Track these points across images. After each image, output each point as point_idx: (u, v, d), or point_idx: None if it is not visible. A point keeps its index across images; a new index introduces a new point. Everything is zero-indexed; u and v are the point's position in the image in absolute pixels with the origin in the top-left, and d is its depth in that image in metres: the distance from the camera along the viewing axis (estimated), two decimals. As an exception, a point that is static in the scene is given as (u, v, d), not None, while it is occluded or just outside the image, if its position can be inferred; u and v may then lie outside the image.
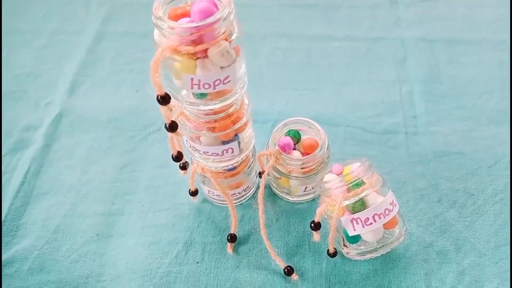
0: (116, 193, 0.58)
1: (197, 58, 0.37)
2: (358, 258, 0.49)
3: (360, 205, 0.46)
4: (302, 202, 0.56)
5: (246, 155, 0.50)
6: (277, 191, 0.57)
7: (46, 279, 0.52)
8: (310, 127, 0.52)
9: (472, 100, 0.65)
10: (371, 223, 0.45)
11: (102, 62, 0.73)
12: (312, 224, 0.48)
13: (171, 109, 0.40)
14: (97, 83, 0.70)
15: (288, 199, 0.56)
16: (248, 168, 0.52)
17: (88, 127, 0.65)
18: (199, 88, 0.38)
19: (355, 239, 0.48)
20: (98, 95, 0.69)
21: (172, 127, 0.42)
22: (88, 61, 0.73)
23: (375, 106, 0.65)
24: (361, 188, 0.46)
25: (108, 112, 0.66)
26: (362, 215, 0.45)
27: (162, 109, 0.40)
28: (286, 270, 0.50)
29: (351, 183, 0.46)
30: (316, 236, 0.49)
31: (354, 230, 0.46)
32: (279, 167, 0.52)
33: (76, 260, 0.53)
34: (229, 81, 0.39)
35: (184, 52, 0.36)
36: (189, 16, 0.37)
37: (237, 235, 0.53)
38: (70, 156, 0.62)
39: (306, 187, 0.53)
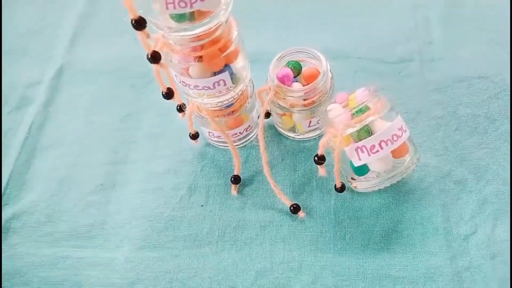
0: (120, 142, 0.57)
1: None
2: (367, 190, 0.46)
3: (365, 133, 0.42)
4: (309, 140, 0.53)
5: (241, 90, 0.47)
6: (282, 131, 0.54)
7: (53, 230, 0.51)
8: (310, 57, 0.49)
9: (495, 24, 0.58)
10: (377, 151, 0.42)
11: (101, 13, 0.71)
12: (316, 158, 0.45)
13: (148, 35, 0.38)
14: (97, 35, 0.68)
15: (294, 138, 0.53)
16: (247, 105, 0.49)
17: (89, 79, 0.63)
18: (174, 7, 0.35)
19: (363, 170, 0.45)
20: (98, 47, 0.67)
21: (154, 57, 0.39)
22: (87, 13, 0.71)
23: (388, 36, 0.60)
24: (365, 114, 0.42)
25: (109, 62, 0.64)
26: (367, 142, 0.42)
27: (139, 35, 0.37)
28: (292, 207, 0.48)
29: (354, 109, 0.42)
30: (321, 170, 0.46)
31: (360, 159, 0.43)
32: (280, 102, 0.48)
33: (82, 210, 0.52)
34: (206, -1, 0.36)
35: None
36: None
37: (241, 177, 0.51)
38: (73, 108, 0.61)
39: (310, 122, 0.50)
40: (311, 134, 0.52)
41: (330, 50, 0.59)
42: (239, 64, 0.45)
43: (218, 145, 0.54)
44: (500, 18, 0.59)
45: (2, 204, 0.54)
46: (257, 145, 0.49)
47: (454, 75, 0.54)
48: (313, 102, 0.48)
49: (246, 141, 0.54)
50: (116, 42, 0.67)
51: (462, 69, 0.55)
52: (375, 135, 0.42)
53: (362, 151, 0.42)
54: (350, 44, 0.60)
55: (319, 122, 0.50)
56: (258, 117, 0.54)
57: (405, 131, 0.43)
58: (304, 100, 0.47)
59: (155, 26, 0.39)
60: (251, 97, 0.50)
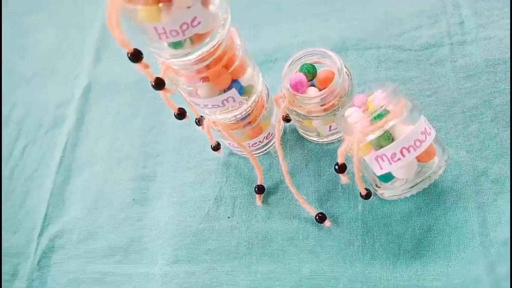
0: (146, 156, 0.58)
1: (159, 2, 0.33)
2: (394, 198, 0.44)
3: (386, 139, 0.40)
4: (333, 142, 0.51)
5: (255, 100, 0.45)
6: (304, 134, 0.52)
7: (93, 247, 0.54)
8: (324, 57, 0.46)
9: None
10: (399, 159, 0.39)
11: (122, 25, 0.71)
12: (336, 166, 0.43)
13: (147, 66, 0.37)
14: (118, 48, 0.69)
15: (317, 141, 0.51)
16: (264, 113, 0.48)
17: (114, 93, 0.65)
18: (167, 37, 0.34)
19: (387, 177, 0.42)
20: (120, 60, 0.67)
21: (158, 84, 0.39)
22: (107, 28, 0.72)
23: (412, 18, 0.55)
24: (384, 119, 0.39)
25: (130, 76, 0.65)
26: (387, 150, 0.39)
27: (138, 67, 0.37)
28: (317, 217, 0.46)
29: (373, 114, 0.40)
30: (343, 178, 0.44)
31: (381, 168, 0.40)
32: (296, 109, 0.47)
33: (117, 226, 0.54)
34: (199, 23, 0.34)
35: (136, 1, 0.32)
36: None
37: (264, 186, 0.50)
38: (101, 125, 0.62)
39: (330, 126, 0.48)
40: (335, 137, 0.50)
41: (347, 40, 0.56)
42: (248, 75, 0.43)
43: (241, 153, 0.53)
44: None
45: (46, 223, 0.57)
46: (275, 156, 0.47)
47: (488, 58, 0.49)
48: (332, 105, 0.45)
49: (269, 147, 0.53)
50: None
51: (496, 50, 0.50)
52: (395, 142, 0.39)
53: (383, 160, 0.40)
54: (369, 31, 0.56)
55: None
56: (284, 121, 0.52)
57: (429, 134, 0.40)
58: (322, 105, 0.45)
59: (155, 54, 0.38)
60: (267, 104, 0.48)
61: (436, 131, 0.42)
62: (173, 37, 0.34)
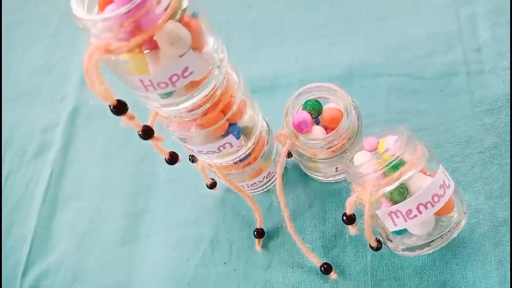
0: (138, 190, 0.54)
1: (140, 51, 0.28)
2: (407, 254, 0.40)
3: (400, 194, 0.36)
4: (339, 181, 0.47)
5: (255, 142, 0.41)
6: (307, 172, 0.48)
7: (80, 289, 0.50)
8: (330, 93, 0.42)
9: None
10: (415, 216, 0.35)
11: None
12: (344, 217, 0.39)
13: (133, 117, 0.33)
14: (107, 69, 0.64)
15: (321, 180, 0.47)
16: (265, 153, 0.44)
17: (103, 119, 0.60)
18: (155, 89, 0.30)
19: (400, 231, 0.38)
20: (109, 81, 0.63)
21: (147, 133, 0.35)
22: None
23: (425, 43, 0.51)
24: (398, 172, 0.35)
25: (122, 98, 0.60)
26: (402, 207, 0.35)
27: (122, 120, 0.33)
28: (322, 268, 0.42)
29: (387, 166, 0.35)
30: (352, 230, 0.40)
31: (395, 225, 0.36)
32: (300, 150, 0.42)
33: (106, 267, 0.50)
34: (191, 73, 0.30)
35: (117, 52, 0.28)
36: None
37: (264, 229, 0.46)
38: (90, 153, 0.59)
39: (337, 168, 0.44)
40: (341, 176, 0.46)
41: (355, 66, 0.52)
42: (247, 116, 0.39)
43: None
44: None
45: (30, 262, 0.53)
46: (276, 202, 0.43)
47: (508, 90, 0.45)
48: (339, 148, 0.41)
49: (269, 185, 0.49)
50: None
51: (519, 82, 0.45)
52: (411, 198, 0.35)
53: (397, 216, 0.36)
54: (378, 57, 0.52)
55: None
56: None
57: (448, 187, 0.36)
58: (328, 148, 0.41)
59: (143, 103, 0.34)
60: (268, 143, 0.44)
61: (451, 172, 0.38)
62: (162, 89, 0.30)
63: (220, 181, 0.49)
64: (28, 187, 0.58)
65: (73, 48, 0.69)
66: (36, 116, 0.64)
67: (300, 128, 0.41)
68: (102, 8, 0.29)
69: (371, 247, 0.41)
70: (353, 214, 0.38)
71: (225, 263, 0.46)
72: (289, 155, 0.48)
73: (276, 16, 0.59)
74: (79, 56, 0.67)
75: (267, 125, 0.45)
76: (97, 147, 0.58)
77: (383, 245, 0.41)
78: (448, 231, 0.37)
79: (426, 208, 0.35)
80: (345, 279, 0.42)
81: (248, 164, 0.43)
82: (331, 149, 0.41)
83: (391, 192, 0.36)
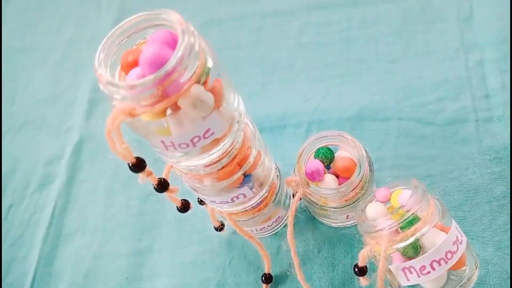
0: (143, 228, 0.53)
1: (165, 115, 0.28)
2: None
3: (414, 250, 0.36)
4: (348, 227, 0.47)
5: (267, 191, 0.41)
6: (315, 215, 0.48)
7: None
8: (343, 142, 0.42)
9: None
10: (428, 272, 0.35)
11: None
12: (356, 269, 0.39)
13: (150, 173, 0.33)
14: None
15: (331, 224, 0.47)
16: (275, 199, 0.44)
17: (109, 153, 0.59)
18: (175, 149, 0.30)
19: (412, 285, 0.38)
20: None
21: (162, 186, 0.35)
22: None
23: (435, 88, 0.51)
24: (413, 228, 0.35)
25: (128, 133, 0.60)
26: (416, 263, 0.35)
27: (140, 177, 0.32)
28: (332, 318, 0.42)
29: (402, 222, 0.35)
30: (363, 281, 0.40)
31: (408, 280, 0.36)
32: (311, 198, 0.42)
33: (110, 307, 0.50)
34: (212, 133, 0.30)
35: (147, 115, 0.28)
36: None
37: (272, 275, 0.46)
38: (94, 188, 0.58)
39: (347, 216, 0.44)
40: (351, 221, 0.46)
41: (364, 109, 0.52)
42: (262, 167, 0.39)
43: (247, 232, 0.49)
44: None
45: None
46: (287, 250, 0.43)
47: (517, 140, 0.46)
48: (351, 197, 0.41)
49: (278, 228, 0.48)
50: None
51: (528, 131, 0.46)
52: (425, 255, 0.35)
53: (411, 272, 0.36)
54: (389, 100, 0.52)
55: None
56: (288, 204, 0.48)
57: (460, 243, 0.36)
58: (339, 199, 0.41)
59: (160, 157, 0.34)
60: (279, 189, 0.44)
61: (459, 221, 0.38)
62: (182, 149, 0.30)
63: (228, 223, 0.49)
64: (31, 220, 0.58)
65: (78, 77, 0.68)
66: (40, 147, 0.63)
67: (313, 177, 0.41)
68: (125, 70, 0.29)
69: (382, 299, 0.41)
70: (365, 266, 0.38)
71: (232, 310, 0.46)
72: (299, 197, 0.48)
73: (285, 54, 0.59)
74: (85, 86, 0.66)
75: (279, 170, 0.45)
76: (102, 181, 0.58)
77: (394, 296, 0.41)
78: (460, 286, 0.38)
79: (440, 265, 0.35)
80: (355, 329, 0.42)
81: (259, 210, 0.43)
82: (343, 198, 0.41)
83: (405, 248, 0.36)
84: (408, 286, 0.38)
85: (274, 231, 0.48)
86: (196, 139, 0.29)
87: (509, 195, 0.44)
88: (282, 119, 0.54)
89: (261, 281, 0.46)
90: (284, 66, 0.58)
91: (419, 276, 0.36)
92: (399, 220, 0.36)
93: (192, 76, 0.27)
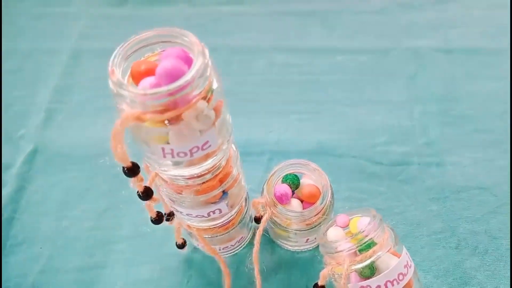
0: (96, 243, 0.52)
1: (168, 124, 0.30)
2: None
3: (370, 271, 0.39)
4: (304, 251, 0.50)
5: (237, 211, 0.44)
6: (274, 238, 0.50)
7: None
8: (310, 171, 0.46)
9: (492, 121, 0.57)
10: (383, 291, 0.39)
11: (78, 86, 0.66)
12: (316, 288, 0.42)
13: (142, 179, 0.34)
14: (73, 112, 0.64)
15: (287, 247, 0.50)
16: (241, 220, 0.46)
17: (65, 165, 0.59)
18: (172, 157, 0.32)
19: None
20: (74, 126, 0.62)
21: (146, 194, 0.36)
22: (63, 85, 0.66)
23: (384, 132, 0.58)
24: (371, 251, 0.39)
25: (87, 146, 0.60)
26: (372, 282, 0.39)
27: (131, 181, 0.34)
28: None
29: (361, 245, 0.39)
30: (322, 300, 0.43)
31: (364, 298, 0.40)
32: (276, 219, 0.45)
33: (54, 326, 0.47)
34: (209, 146, 0.32)
35: (151, 121, 0.29)
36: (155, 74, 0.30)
37: (232, 294, 0.47)
38: (46, 200, 0.56)
39: (308, 239, 0.47)
40: (307, 246, 0.49)
41: (323, 145, 0.57)
42: (238, 186, 0.41)
43: (206, 251, 0.50)
44: (496, 115, 0.58)
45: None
46: (251, 268, 0.45)
47: (452, 184, 0.53)
48: (313, 222, 0.45)
49: (237, 249, 0.50)
50: (95, 121, 0.62)
51: (460, 177, 0.53)
52: (381, 275, 0.39)
53: (367, 291, 0.39)
54: (343, 139, 0.58)
55: (316, 238, 0.48)
56: (252, 222, 0.50)
57: (410, 267, 0.41)
58: (303, 221, 0.44)
59: (148, 164, 0.35)
60: (246, 210, 0.46)
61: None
62: (180, 158, 0.32)
63: (189, 241, 0.50)
64: (-29, 229, 0.54)
65: (35, 87, 0.67)
66: (-13, 153, 0.60)
67: (281, 199, 0.44)
68: (136, 78, 0.30)
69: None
70: (324, 285, 0.42)
71: (188, 330, 0.46)
72: (259, 220, 0.50)
73: (250, 87, 0.63)
74: (43, 96, 0.65)
75: (247, 193, 0.47)
76: (55, 194, 0.56)
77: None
78: (408, 307, 0.42)
79: (392, 285, 0.39)
80: None
81: (226, 228, 0.45)
82: (306, 222, 0.44)
83: (363, 269, 0.40)
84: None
85: (234, 251, 0.50)
86: (194, 149, 0.32)
87: (445, 231, 0.50)
88: (245, 147, 0.57)
89: (219, 300, 0.47)
90: (249, 99, 0.62)
91: (374, 295, 0.39)
92: (357, 243, 0.40)
93: (200, 92, 0.30)
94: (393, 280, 0.39)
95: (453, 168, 0.54)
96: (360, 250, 0.40)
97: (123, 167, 0.32)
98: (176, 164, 0.34)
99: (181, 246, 0.49)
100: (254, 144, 0.58)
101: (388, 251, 0.40)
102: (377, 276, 0.39)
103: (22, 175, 0.58)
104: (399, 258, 0.40)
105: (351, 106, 0.61)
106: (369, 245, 0.40)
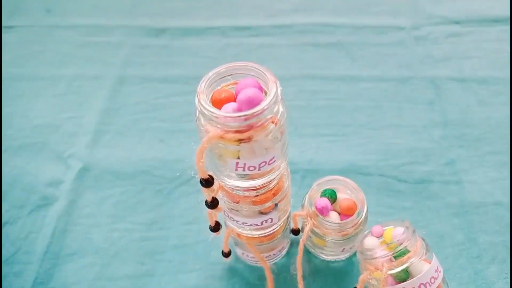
0: (145, 252, 0.57)
1: (241, 142, 0.36)
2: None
3: (405, 275, 0.44)
4: (338, 261, 0.55)
5: (284, 221, 0.49)
6: (310, 248, 0.55)
7: None
8: (347, 187, 0.51)
9: (506, 143, 0.63)
10: (417, 294, 0.44)
11: (123, 109, 0.72)
12: (354, 292, 0.47)
13: (213, 190, 0.39)
14: (119, 133, 0.69)
15: (322, 257, 0.55)
16: (283, 232, 0.51)
17: (113, 181, 0.64)
18: (243, 170, 0.37)
19: (400, 307, 0.47)
20: (121, 146, 0.68)
21: (213, 204, 0.41)
22: (108, 108, 0.72)
23: (408, 153, 0.63)
24: (406, 257, 0.44)
25: (133, 164, 0.65)
26: (408, 285, 0.44)
27: (205, 191, 0.39)
28: (327, 338, 0.49)
29: (396, 252, 0.45)
30: (358, 303, 0.48)
31: (400, 300, 0.45)
32: (315, 229, 0.50)
33: (110, 327, 0.52)
34: (274, 161, 0.38)
35: (230, 140, 0.35)
36: (234, 100, 0.36)
37: (273, 300, 0.52)
38: (97, 213, 0.61)
39: (344, 249, 0.52)
40: (341, 256, 0.54)
41: (352, 165, 0.63)
42: (286, 200, 0.47)
43: (249, 261, 0.55)
44: (508, 140, 0.64)
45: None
46: (294, 274, 0.50)
47: (471, 200, 0.58)
48: (349, 232, 0.50)
49: (276, 259, 0.55)
50: (140, 141, 0.68)
51: (477, 194, 0.59)
52: (414, 278, 0.44)
53: (403, 293, 0.44)
54: (372, 159, 0.63)
55: (351, 248, 0.52)
56: (291, 233, 0.55)
57: (440, 272, 0.46)
58: (340, 232, 0.49)
59: (216, 177, 0.40)
60: (288, 223, 0.51)
61: None
62: (249, 172, 0.37)
63: (233, 250, 0.55)
64: (27, 239, 0.58)
65: (81, 109, 0.72)
66: (39, 171, 0.65)
67: (322, 211, 0.49)
68: (217, 103, 0.36)
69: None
70: (362, 289, 0.47)
71: (234, 331, 0.51)
72: (296, 233, 0.55)
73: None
74: (90, 118, 0.71)
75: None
76: (105, 208, 0.61)
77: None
78: (436, 311, 0.47)
79: (425, 287, 0.44)
80: None
81: (271, 238, 0.50)
82: (343, 232, 0.49)
83: (398, 273, 0.44)
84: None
85: (274, 260, 0.55)
86: (262, 164, 0.37)
87: (466, 242, 0.55)
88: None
89: (262, 305, 0.52)
90: (281, 122, 0.68)
91: (409, 297, 0.44)
92: (393, 251, 0.45)
93: (271, 117, 0.35)
94: (426, 283, 0.44)
95: (470, 186, 0.59)
96: (395, 257, 0.45)
97: (201, 179, 0.37)
98: (241, 177, 0.39)
99: (227, 254, 0.54)
100: (288, 163, 0.63)
101: (420, 258, 0.46)
102: (412, 279, 0.44)
103: (73, 191, 0.63)
104: (430, 264, 0.45)
105: (376, 130, 0.67)
106: (404, 252, 0.45)
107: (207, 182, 0.37)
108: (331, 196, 0.51)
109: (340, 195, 0.52)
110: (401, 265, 0.44)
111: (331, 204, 0.51)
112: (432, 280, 0.44)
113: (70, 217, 0.60)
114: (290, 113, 0.69)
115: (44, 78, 0.77)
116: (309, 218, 0.49)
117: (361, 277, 0.46)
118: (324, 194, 0.51)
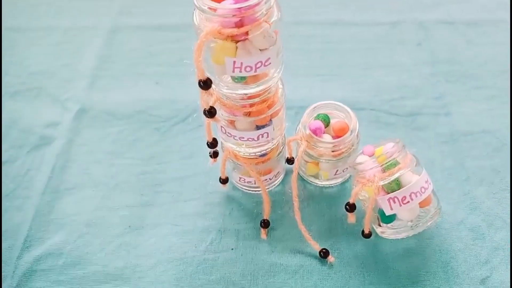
0: (145, 184, 0.58)
1: (238, 41, 0.37)
2: (393, 237, 0.50)
3: (396, 185, 0.46)
4: (331, 186, 0.56)
5: (278, 140, 0.50)
6: (305, 176, 0.57)
7: (82, 272, 0.52)
8: (339, 111, 0.53)
9: (492, 79, 0.65)
10: (408, 202, 0.46)
11: (118, 56, 0.73)
12: (347, 206, 0.49)
13: (211, 94, 0.40)
14: (115, 77, 0.70)
15: (316, 184, 0.57)
16: (278, 154, 0.53)
17: (111, 121, 0.65)
18: (240, 71, 0.39)
19: (390, 218, 0.48)
20: (117, 89, 0.69)
21: (211, 112, 0.42)
22: (104, 55, 0.73)
23: (398, 89, 0.65)
24: (396, 168, 0.46)
25: (130, 105, 0.66)
26: (399, 194, 0.46)
27: (202, 94, 0.40)
28: (321, 252, 0.50)
29: (386, 163, 0.46)
30: (351, 217, 0.49)
31: (391, 209, 0.46)
32: (309, 151, 0.52)
33: (111, 252, 0.53)
34: (269, 63, 0.39)
35: (227, 35, 0.36)
36: (230, -2, 0.37)
37: (270, 221, 0.53)
38: (95, 150, 0.62)
39: (337, 171, 0.54)
40: (333, 181, 0.56)
41: (344, 101, 0.64)
42: (281, 118, 0.48)
43: (245, 189, 0.57)
44: (494, 74, 0.66)
45: (26, 245, 0.54)
46: (289, 192, 0.52)
47: (459, 129, 0.60)
48: (342, 153, 0.51)
49: (271, 187, 0.57)
50: (136, 84, 0.69)
51: (465, 124, 0.61)
52: (406, 187, 0.46)
53: (394, 202, 0.46)
54: (364, 96, 0.65)
55: (344, 171, 0.54)
56: (286, 163, 0.56)
57: (430, 183, 0.48)
58: (333, 151, 0.51)
59: (215, 84, 0.42)
60: (283, 147, 0.53)
61: None
62: (246, 72, 0.39)
63: (230, 178, 0.56)
64: (26, 176, 0.59)
65: (76, 57, 0.73)
66: (35, 113, 0.66)
67: (316, 132, 0.51)
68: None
69: (363, 235, 0.50)
70: (354, 203, 0.48)
71: (232, 249, 0.52)
72: (291, 161, 0.57)
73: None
74: (86, 64, 0.72)
75: (284, 135, 0.54)
76: (104, 145, 0.62)
77: (372, 234, 0.51)
78: (426, 220, 0.49)
79: (416, 196, 0.46)
80: (339, 263, 0.50)
81: (266, 160, 0.51)
82: (336, 152, 0.51)
83: (390, 183, 0.46)
84: (388, 218, 0.48)
85: (269, 188, 0.56)
86: (259, 64, 0.38)
87: (456, 167, 0.57)
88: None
89: (259, 226, 0.53)
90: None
91: (400, 205, 0.46)
92: (384, 162, 0.47)
93: (264, 15, 0.37)
94: (417, 192, 0.46)
95: (459, 116, 0.61)
96: (386, 168, 0.46)
97: (199, 80, 0.39)
98: (238, 81, 0.40)
99: (225, 181, 0.55)
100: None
101: (410, 170, 0.47)
102: (403, 188, 0.46)
103: (72, 130, 0.64)
104: (419, 176, 0.47)
105: (368, 69, 0.68)
106: (394, 164, 0.46)
107: (205, 84, 0.39)
108: (324, 119, 0.52)
109: (333, 120, 0.53)
110: (392, 176, 0.46)
111: (325, 127, 0.52)
112: (423, 190, 0.46)
113: (68, 155, 0.62)
114: (284, 55, 0.71)
115: (39, 29, 0.78)
116: (303, 140, 0.51)
117: (354, 190, 0.48)
118: (317, 117, 0.52)
